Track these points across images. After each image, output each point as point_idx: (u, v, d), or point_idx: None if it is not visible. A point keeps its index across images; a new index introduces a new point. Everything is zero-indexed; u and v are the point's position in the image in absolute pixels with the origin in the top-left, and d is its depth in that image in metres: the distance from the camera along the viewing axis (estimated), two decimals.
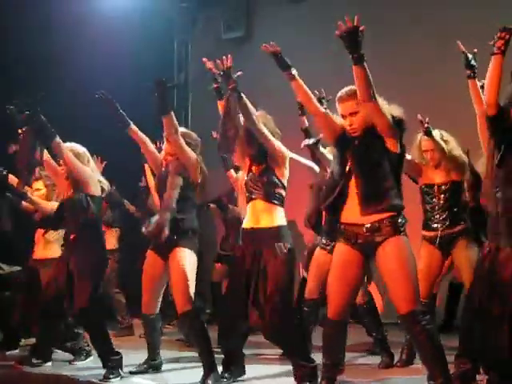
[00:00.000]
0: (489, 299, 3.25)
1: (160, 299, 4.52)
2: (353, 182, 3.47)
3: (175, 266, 4.22)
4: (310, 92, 3.53)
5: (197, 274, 4.32)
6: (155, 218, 4.17)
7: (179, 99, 8.77)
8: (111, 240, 6.68)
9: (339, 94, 3.55)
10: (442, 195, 4.65)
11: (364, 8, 6.75)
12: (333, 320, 3.54)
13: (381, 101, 3.39)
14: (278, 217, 3.99)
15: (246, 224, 4.06)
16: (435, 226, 4.64)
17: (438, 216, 4.64)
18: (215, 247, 6.92)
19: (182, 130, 4.33)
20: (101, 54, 7.26)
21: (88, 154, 4.69)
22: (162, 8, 8.44)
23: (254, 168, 4.07)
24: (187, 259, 4.22)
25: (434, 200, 4.67)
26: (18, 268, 5.59)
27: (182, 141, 4.22)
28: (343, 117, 3.53)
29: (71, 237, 4.54)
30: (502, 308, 3.14)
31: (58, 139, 4.36)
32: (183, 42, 8.96)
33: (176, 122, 4.16)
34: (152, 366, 4.60)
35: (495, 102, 3.18)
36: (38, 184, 5.40)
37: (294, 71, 3.50)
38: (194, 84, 8.82)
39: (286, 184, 4.06)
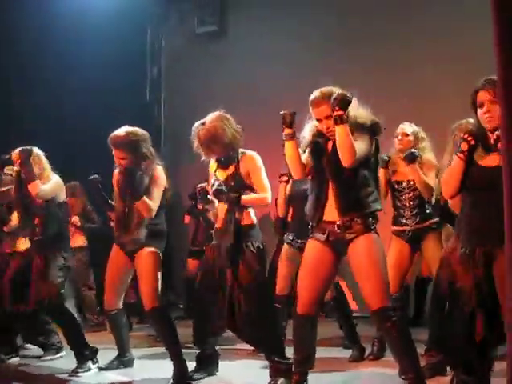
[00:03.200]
0: (452, 297, 3.28)
1: (122, 296, 4.46)
2: (331, 188, 3.44)
3: (142, 265, 4.19)
4: (300, 155, 3.48)
5: (170, 270, 4.30)
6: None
7: (152, 93, 8.72)
8: (81, 237, 6.60)
9: (312, 97, 3.46)
10: (412, 192, 4.69)
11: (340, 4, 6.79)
12: (302, 315, 3.53)
13: (353, 106, 3.36)
14: (248, 216, 3.98)
15: (217, 223, 4.06)
16: (405, 221, 4.69)
17: (408, 212, 4.69)
18: (187, 243, 6.92)
19: (127, 128, 4.17)
20: (73, 44, 7.18)
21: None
22: (136, 2, 8.36)
23: (220, 172, 4.05)
24: (153, 258, 4.19)
25: (404, 196, 4.72)
26: None
27: (142, 205, 4.13)
28: (319, 120, 3.46)
29: (37, 238, 4.52)
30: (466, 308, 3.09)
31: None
32: (156, 36, 8.89)
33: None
34: (123, 362, 4.57)
35: (455, 195, 3.06)
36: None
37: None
38: (166, 78, 8.77)
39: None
